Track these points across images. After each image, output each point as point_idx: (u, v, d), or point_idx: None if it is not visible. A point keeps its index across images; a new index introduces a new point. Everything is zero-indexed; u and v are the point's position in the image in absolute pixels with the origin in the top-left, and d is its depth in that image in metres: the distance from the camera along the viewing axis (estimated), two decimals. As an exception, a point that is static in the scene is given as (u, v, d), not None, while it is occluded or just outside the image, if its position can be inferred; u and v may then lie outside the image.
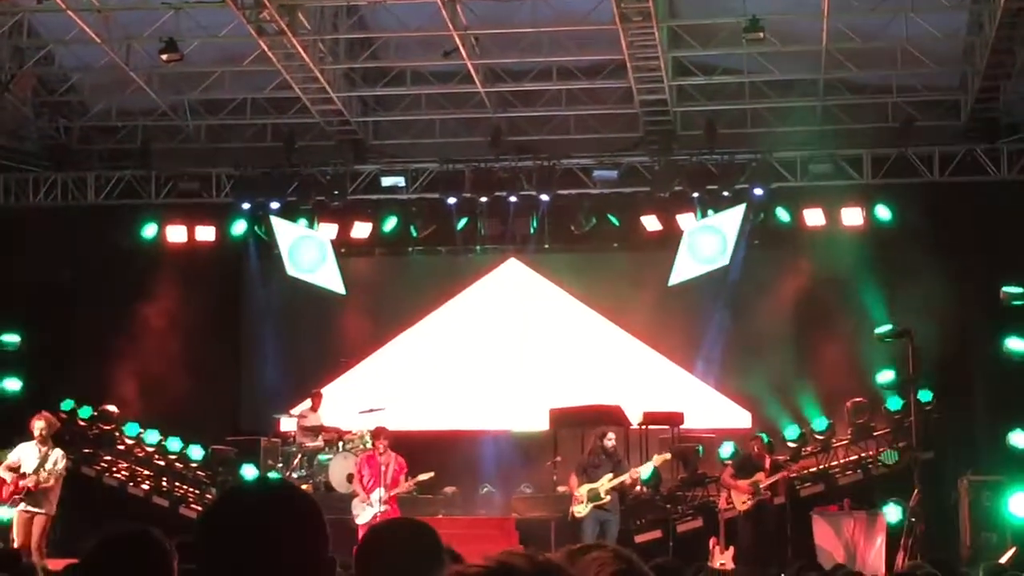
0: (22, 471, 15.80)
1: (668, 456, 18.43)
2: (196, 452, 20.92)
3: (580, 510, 17.14)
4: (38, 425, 15.96)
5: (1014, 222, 20.12)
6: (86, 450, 20.67)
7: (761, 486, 17.47)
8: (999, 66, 19.41)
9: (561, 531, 17.68)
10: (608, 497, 17.13)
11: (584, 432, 19.05)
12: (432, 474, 17.98)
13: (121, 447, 21.13)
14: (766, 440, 18.36)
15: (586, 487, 17.14)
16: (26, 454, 15.90)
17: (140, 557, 4.05)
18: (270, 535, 3.02)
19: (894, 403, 19.59)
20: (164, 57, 18.89)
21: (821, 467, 19.78)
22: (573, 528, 17.07)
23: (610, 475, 17.15)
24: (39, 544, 15.68)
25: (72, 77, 22.00)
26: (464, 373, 22.57)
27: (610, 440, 17.43)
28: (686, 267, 22.24)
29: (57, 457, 16.00)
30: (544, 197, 22.26)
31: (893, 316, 18.50)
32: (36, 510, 15.80)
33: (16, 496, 15.77)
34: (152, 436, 21.10)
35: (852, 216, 21.41)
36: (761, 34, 18.16)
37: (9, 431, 16.96)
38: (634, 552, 3.19)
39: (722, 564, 16.76)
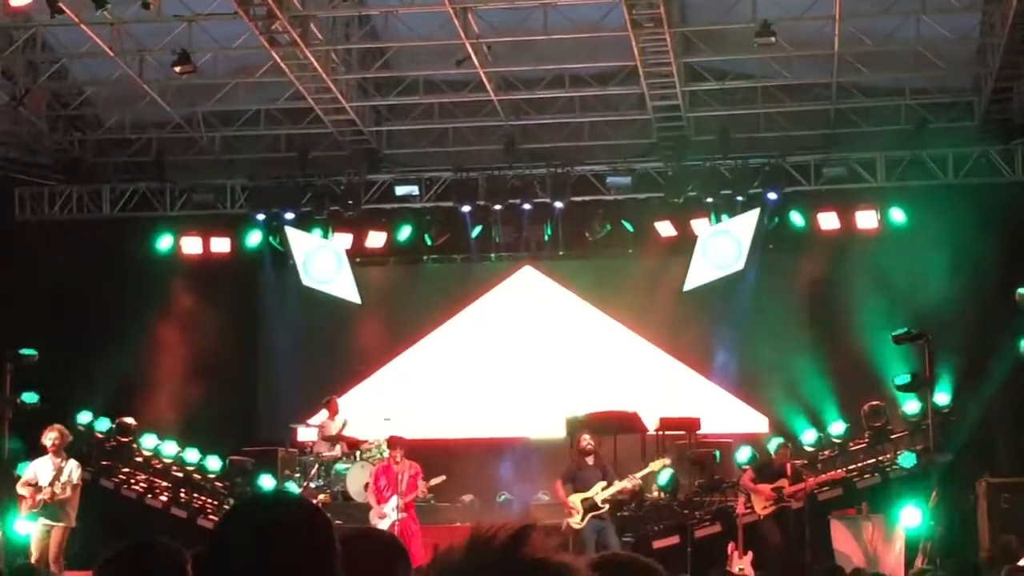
0: (39, 485, 15.81)
1: (667, 461, 18.40)
2: (214, 463, 20.89)
3: (576, 521, 17.00)
4: (51, 436, 15.97)
5: (1029, 223, 20.06)
6: (104, 463, 20.64)
7: (785, 492, 17.43)
8: (1012, 67, 19.39)
9: (579, 538, 17.60)
10: (606, 506, 17.05)
11: (601, 439, 19.03)
12: (443, 477, 18.05)
13: (139, 459, 21.08)
14: (782, 444, 18.33)
15: (578, 496, 17.00)
16: (41, 468, 15.91)
17: (153, 567, 4.06)
18: (278, 549, 3.02)
19: (911, 406, 19.53)
20: (177, 69, 18.92)
21: (839, 470, 19.72)
22: (572, 539, 16.86)
23: (603, 483, 17.05)
24: (56, 556, 15.67)
25: (86, 90, 22.07)
26: (480, 381, 22.59)
27: (589, 450, 17.33)
28: (701, 272, 22.24)
29: (72, 468, 15.99)
30: (558, 204, 22.28)
31: (909, 318, 18.44)
32: (54, 523, 15.79)
33: (34, 510, 15.77)
34: (170, 448, 21.10)
35: (866, 219, 21.39)
36: (772, 38, 18.14)
37: (28, 444, 16.98)
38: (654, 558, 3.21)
39: (741, 569, 16.74)
